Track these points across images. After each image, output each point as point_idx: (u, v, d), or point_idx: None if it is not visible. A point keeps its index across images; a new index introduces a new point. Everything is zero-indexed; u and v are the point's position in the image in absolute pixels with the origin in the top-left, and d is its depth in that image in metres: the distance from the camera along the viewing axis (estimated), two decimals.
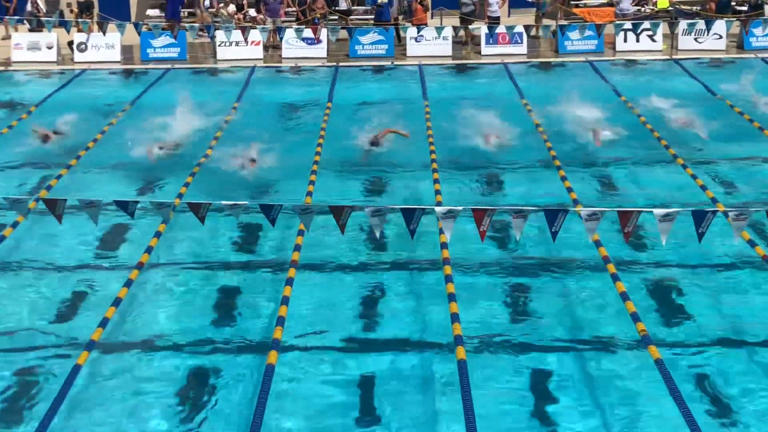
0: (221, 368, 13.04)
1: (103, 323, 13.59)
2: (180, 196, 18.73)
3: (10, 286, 15.54)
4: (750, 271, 15.42)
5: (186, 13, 35.76)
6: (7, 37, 32.59)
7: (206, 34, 32.29)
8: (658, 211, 12.24)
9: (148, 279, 15.34)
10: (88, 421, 11.75)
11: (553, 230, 12.32)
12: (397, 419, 11.78)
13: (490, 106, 25.90)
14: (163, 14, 35.40)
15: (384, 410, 12.01)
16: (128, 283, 14.81)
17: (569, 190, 18.80)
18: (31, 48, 31.84)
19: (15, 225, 16.68)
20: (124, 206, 12.24)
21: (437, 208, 12.19)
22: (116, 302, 14.21)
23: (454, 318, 13.47)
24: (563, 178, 19.65)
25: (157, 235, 16.12)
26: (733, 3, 35.16)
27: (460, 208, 12.15)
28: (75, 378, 12.14)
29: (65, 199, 12.45)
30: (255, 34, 31.33)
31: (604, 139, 22.29)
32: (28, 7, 34.08)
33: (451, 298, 14.06)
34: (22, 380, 12.77)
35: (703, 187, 18.67)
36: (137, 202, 12.41)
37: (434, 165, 20.59)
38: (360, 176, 20.57)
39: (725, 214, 12.55)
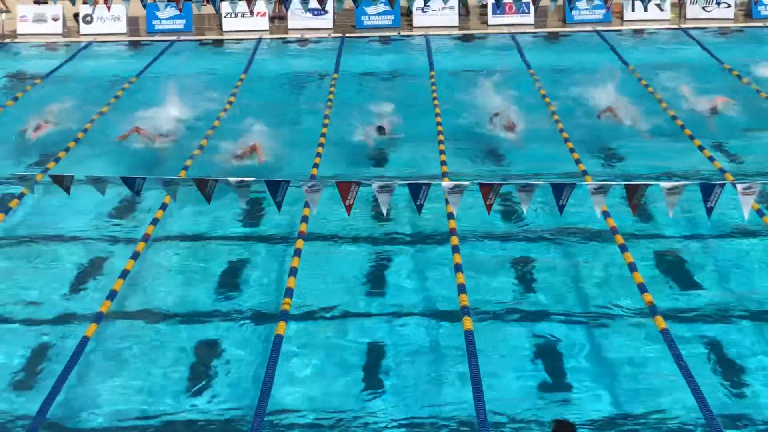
0: (230, 338, 13.20)
1: (111, 296, 13.74)
2: (186, 168, 18.81)
3: (18, 258, 15.66)
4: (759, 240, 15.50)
5: None
6: (6, 11, 32.44)
7: (211, 6, 32.19)
8: (665, 185, 12.24)
9: (157, 251, 15.43)
10: (96, 392, 11.90)
11: (560, 204, 12.35)
12: (403, 387, 11.93)
13: (497, 77, 25.87)
14: None
15: (391, 378, 12.16)
16: (135, 256, 14.95)
17: (577, 161, 18.89)
18: (36, 20, 31.78)
19: (21, 197, 16.80)
20: (131, 183, 12.25)
21: (444, 183, 12.21)
22: (123, 274, 14.35)
23: (461, 289, 13.59)
24: (571, 150, 19.72)
25: (163, 207, 16.19)
26: None
27: (468, 182, 12.17)
28: (83, 349, 12.29)
29: (72, 176, 12.48)
30: (260, 5, 31.28)
31: (612, 110, 22.26)
32: None
33: (458, 268, 14.18)
34: (33, 351, 12.92)
35: (711, 158, 18.71)
36: (144, 178, 12.41)
37: (441, 137, 20.61)
38: (367, 147, 20.59)
39: (733, 185, 12.55)
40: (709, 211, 12.18)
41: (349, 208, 12.24)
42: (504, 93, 24.42)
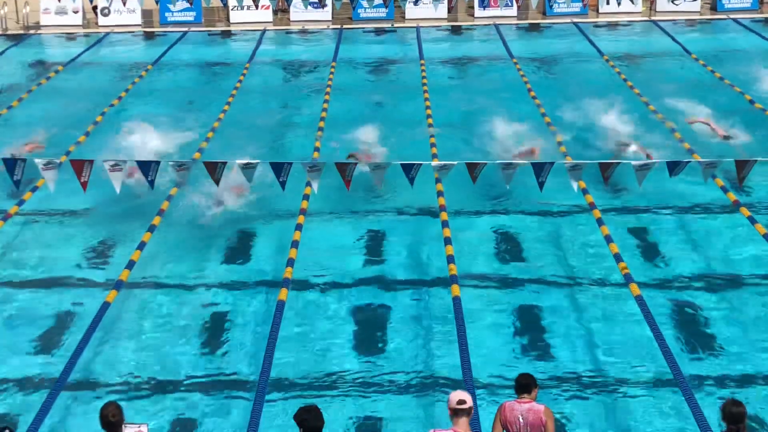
0: (236, 305, 13.21)
1: (129, 265, 13.76)
2: (201, 150, 18.79)
3: (43, 233, 15.64)
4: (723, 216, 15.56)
5: None
6: None
7: None
8: (636, 163, 12.29)
9: (170, 226, 15.40)
10: (116, 354, 11.93)
11: (540, 180, 12.37)
12: (398, 349, 11.98)
13: (482, 64, 25.90)
14: None
15: (387, 341, 12.19)
16: (151, 228, 14.95)
17: (554, 133, 19.02)
18: (58, 12, 31.64)
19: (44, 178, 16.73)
20: (146, 167, 12.21)
21: (433, 163, 12.23)
22: (141, 246, 14.35)
23: (450, 259, 13.61)
24: (548, 124, 19.91)
25: (178, 185, 16.14)
26: None
27: (455, 162, 12.18)
28: (104, 313, 12.31)
29: (92, 160, 12.44)
30: None
31: (588, 93, 22.30)
32: None
33: (447, 241, 14.20)
34: (58, 316, 12.94)
35: (681, 140, 18.73)
36: (158, 162, 12.37)
37: (430, 120, 20.59)
38: (362, 129, 20.54)
39: (698, 162, 12.62)
40: (673, 174, 12.21)
41: (348, 183, 12.23)
42: (488, 78, 24.49)
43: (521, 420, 8.23)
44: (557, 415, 10.06)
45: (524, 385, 8.39)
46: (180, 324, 12.68)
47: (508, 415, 8.29)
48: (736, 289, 13.38)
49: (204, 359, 11.85)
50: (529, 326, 12.50)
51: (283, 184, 12.31)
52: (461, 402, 7.75)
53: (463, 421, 7.78)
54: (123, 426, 7.96)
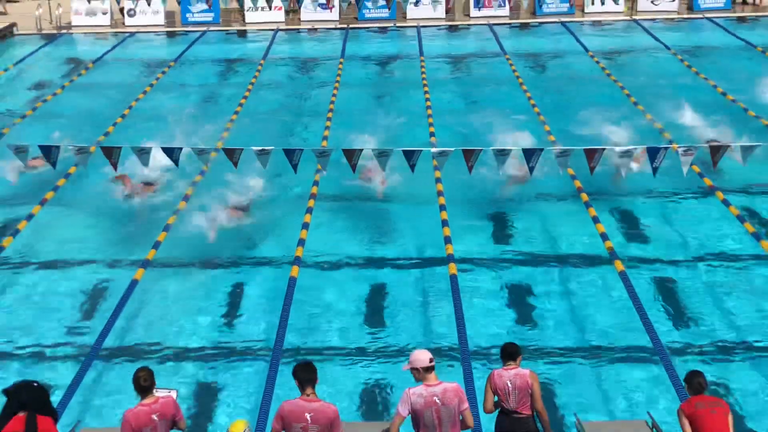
0: (252, 281, 13.20)
1: (156, 245, 13.76)
2: (222, 139, 18.77)
3: (74, 216, 15.62)
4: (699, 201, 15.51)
5: None
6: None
7: (236, 1, 32.10)
8: (620, 149, 12.23)
9: (192, 211, 15.38)
10: (143, 324, 11.96)
11: (530, 165, 12.30)
12: (398, 323, 11.99)
13: (477, 61, 25.81)
14: None
15: (388, 316, 12.21)
16: (176, 212, 14.95)
17: (543, 123, 18.92)
18: (88, 14, 31.55)
19: (77, 165, 16.72)
20: (170, 152, 12.18)
21: (432, 150, 12.19)
22: (166, 228, 14.35)
23: (447, 240, 13.59)
24: (537, 114, 19.80)
25: (202, 172, 16.08)
26: None
27: (452, 149, 12.14)
28: (132, 291, 12.33)
29: (120, 147, 12.42)
30: (278, 0, 31.11)
31: (574, 87, 22.29)
32: None
33: (444, 223, 14.18)
34: (88, 294, 12.97)
35: (662, 130, 18.66)
36: (181, 148, 12.33)
37: (429, 111, 20.55)
38: (368, 120, 20.50)
39: (675, 150, 12.55)
40: (655, 170, 12.17)
41: (354, 167, 12.19)
42: (483, 73, 24.42)
43: (510, 385, 8.23)
44: (543, 379, 10.09)
45: (511, 353, 8.39)
46: (199, 296, 12.69)
47: (497, 382, 8.28)
48: (713, 265, 13.35)
49: (223, 331, 11.88)
50: (519, 301, 12.50)
51: (295, 167, 12.28)
52: (432, 360, 7.65)
53: (432, 376, 7.71)
54: (155, 390, 7.98)
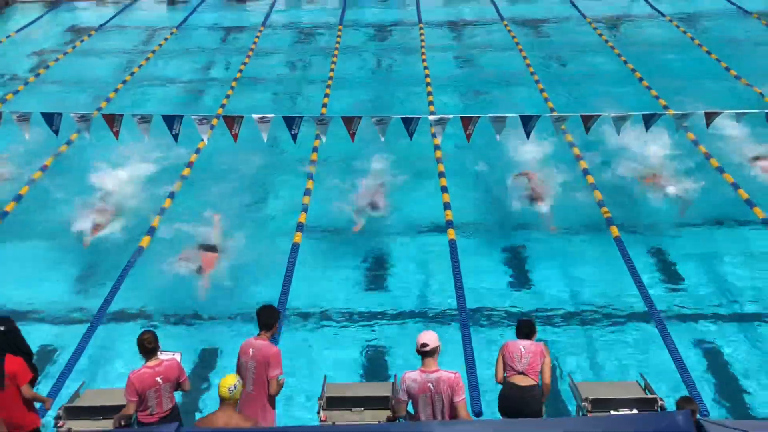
0: (253, 245, 13.14)
1: (161, 211, 13.78)
2: (222, 106, 18.70)
3: (79, 184, 15.54)
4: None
5: None
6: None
7: None
8: (615, 115, 12.18)
9: (196, 178, 15.36)
10: (149, 290, 12.01)
11: (527, 130, 12.24)
12: (397, 283, 12.03)
13: (475, 27, 25.65)
14: None
15: (388, 278, 12.24)
16: (182, 178, 14.91)
17: (541, 91, 18.86)
18: None
19: (79, 131, 16.63)
20: (170, 121, 12.08)
21: (431, 117, 12.14)
22: (171, 195, 14.34)
23: (446, 206, 13.58)
24: (537, 82, 19.71)
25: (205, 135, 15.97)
26: None
27: (450, 116, 12.08)
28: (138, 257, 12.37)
29: (122, 114, 12.33)
30: None
31: (570, 52, 22.23)
32: None
33: (444, 190, 14.16)
34: (94, 257, 13.00)
35: (648, 88, 18.66)
36: (182, 116, 12.23)
37: (428, 79, 20.45)
38: (366, 88, 20.44)
39: (670, 116, 12.55)
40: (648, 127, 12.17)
41: (353, 135, 12.13)
42: (481, 40, 24.28)
43: (523, 350, 8.26)
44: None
45: (527, 333, 8.39)
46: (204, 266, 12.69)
47: (511, 348, 8.29)
48: (704, 229, 13.37)
49: (228, 297, 11.85)
50: (517, 266, 12.53)
51: (294, 137, 12.19)
52: (425, 345, 7.51)
53: (430, 361, 7.56)
54: (159, 352, 8.03)
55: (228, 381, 7.13)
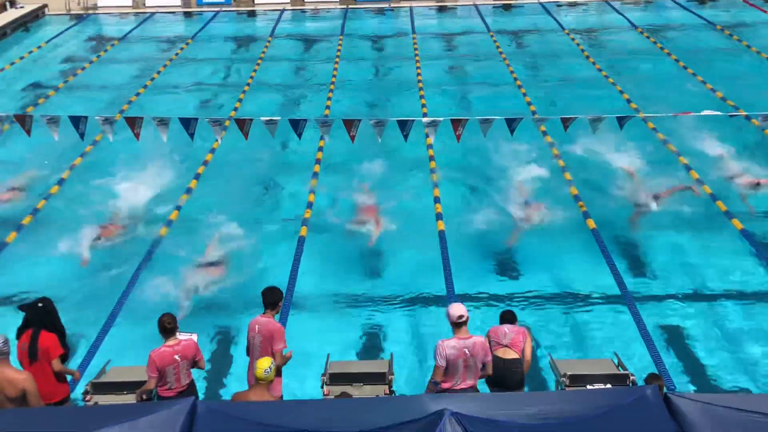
0: (264, 239, 13.16)
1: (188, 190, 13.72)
2: (236, 110, 18.68)
3: (104, 181, 15.48)
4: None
5: None
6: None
7: None
8: (591, 117, 12.16)
9: (210, 174, 15.33)
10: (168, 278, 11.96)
11: (511, 128, 12.20)
12: (392, 271, 12.03)
13: (463, 37, 25.60)
14: None
15: (385, 267, 12.24)
16: (197, 176, 14.94)
17: (524, 95, 18.83)
18: None
19: (103, 133, 16.57)
20: (186, 123, 12.05)
21: (424, 120, 12.13)
22: (188, 191, 14.30)
23: (437, 200, 13.57)
24: (519, 87, 19.73)
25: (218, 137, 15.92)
26: None
27: (441, 118, 12.07)
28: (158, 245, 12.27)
29: (142, 117, 12.29)
30: None
31: (551, 60, 22.18)
32: None
33: (436, 185, 14.14)
34: (114, 248, 12.96)
35: (621, 91, 18.62)
36: (197, 119, 12.21)
37: (420, 84, 20.43)
38: (365, 92, 20.41)
39: (643, 119, 12.54)
40: (621, 126, 12.12)
41: (353, 137, 12.12)
42: (469, 49, 24.24)
43: (507, 330, 8.40)
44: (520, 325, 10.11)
45: (509, 319, 8.52)
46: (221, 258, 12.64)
47: (496, 330, 8.41)
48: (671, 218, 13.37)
49: (239, 286, 11.82)
50: (500, 254, 12.54)
51: (299, 135, 12.19)
52: (461, 317, 7.78)
53: (464, 330, 7.85)
54: (177, 333, 8.05)
55: (264, 363, 7.19)
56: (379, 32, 26.97)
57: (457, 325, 7.79)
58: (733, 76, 20.21)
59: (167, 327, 7.95)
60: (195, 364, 8.11)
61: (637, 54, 22.96)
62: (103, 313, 10.77)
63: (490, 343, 8.35)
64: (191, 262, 12.18)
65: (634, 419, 5.55)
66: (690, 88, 19.50)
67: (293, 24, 28.89)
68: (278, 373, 8.25)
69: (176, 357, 7.89)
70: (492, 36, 25.25)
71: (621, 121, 12.09)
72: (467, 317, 7.81)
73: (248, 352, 8.37)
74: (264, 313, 8.27)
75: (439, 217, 13.02)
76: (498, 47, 23.85)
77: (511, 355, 8.30)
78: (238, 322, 10.83)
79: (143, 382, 8.00)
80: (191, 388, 8.12)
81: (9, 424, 5.61)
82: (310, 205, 13.68)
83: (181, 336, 8.13)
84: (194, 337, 8.28)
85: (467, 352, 7.73)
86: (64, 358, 8.21)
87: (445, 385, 7.82)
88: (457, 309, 7.83)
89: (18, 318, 8.49)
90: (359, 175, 15.18)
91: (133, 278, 11.45)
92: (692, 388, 9.29)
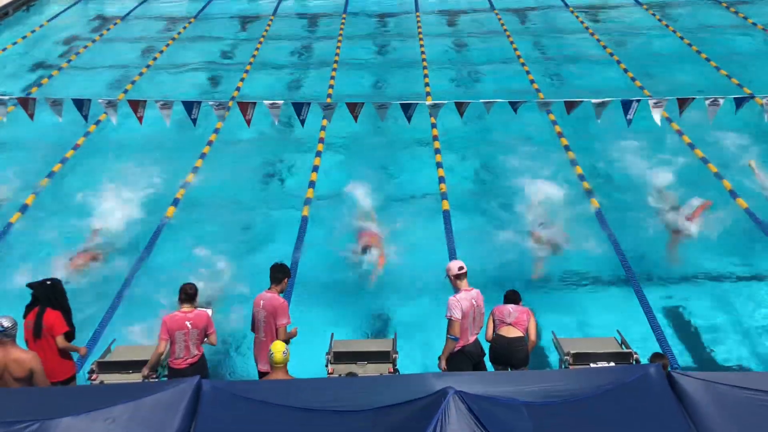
0: (266, 222, 13.15)
1: (184, 185, 13.76)
2: (238, 89, 18.64)
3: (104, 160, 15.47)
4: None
5: None
6: None
7: None
8: (595, 101, 12.06)
9: (215, 157, 15.34)
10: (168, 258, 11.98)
11: (515, 108, 12.17)
12: (395, 251, 12.02)
13: (467, 16, 25.45)
14: None
15: (387, 246, 12.25)
16: (202, 155, 14.94)
17: (527, 72, 18.77)
18: None
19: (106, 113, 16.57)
20: (189, 107, 12.03)
21: (427, 102, 12.08)
22: (194, 169, 14.38)
23: (441, 180, 13.55)
24: (522, 64, 19.69)
25: (221, 119, 15.92)
26: None
27: (445, 101, 12.03)
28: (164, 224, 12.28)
29: (145, 100, 12.28)
30: None
31: (554, 38, 22.12)
32: None
33: (439, 165, 14.12)
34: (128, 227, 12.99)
35: (625, 70, 18.53)
36: (200, 102, 12.19)
37: (424, 63, 20.35)
38: (368, 71, 20.33)
39: (647, 101, 12.41)
40: (629, 122, 12.00)
41: (356, 117, 12.10)
42: (473, 27, 24.10)
43: (511, 309, 8.48)
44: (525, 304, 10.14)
45: (513, 299, 8.57)
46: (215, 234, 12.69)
47: (501, 309, 8.48)
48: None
49: (246, 261, 11.86)
50: (508, 235, 12.52)
51: (302, 122, 12.11)
52: (461, 268, 8.22)
53: (465, 282, 8.25)
54: (194, 303, 8.19)
55: (280, 346, 7.22)
56: (382, 10, 26.79)
57: (459, 277, 8.19)
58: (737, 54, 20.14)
59: (189, 292, 8.17)
60: (206, 337, 8.19)
61: (638, 28, 22.91)
62: (112, 291, 10.83)
63: (494, 321, 8.40)
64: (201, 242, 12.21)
65: (638, 397, 5.59)
66: (696, 67, 19.38)
67: (296, 2, 28.70)
68: None
69: (187, 323, 8.07)
70: (496, 13, 25.08)
71: (626, 105, 11.92)
72: (466, 268, 8.21)
73: (253, 327, 8.48)
74: (269, 289, 8.40)
75: (444, 196, 12.97)
76: (503, 25, 23.70)
77: (515, 333, 8.36)
78: (242, 300, 10.85)
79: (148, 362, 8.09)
80: (201, 362, 8.23)
81: (16, 403, 5.66)
82: (312, 184, 13.64)
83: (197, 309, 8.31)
84: (209, 311, 8.42)
85: (474, 303, 8.16)
86: (70, 337, 8.27)
87: (462, 341, 8.15)
88: (456, 262, 8.33)
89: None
90: (361, 156, 15.17)
91: (138, 260, 11.47)
92: (694, 366, 9.32)
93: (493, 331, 8.45)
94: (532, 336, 8.41)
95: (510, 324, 8.37)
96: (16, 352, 7.35)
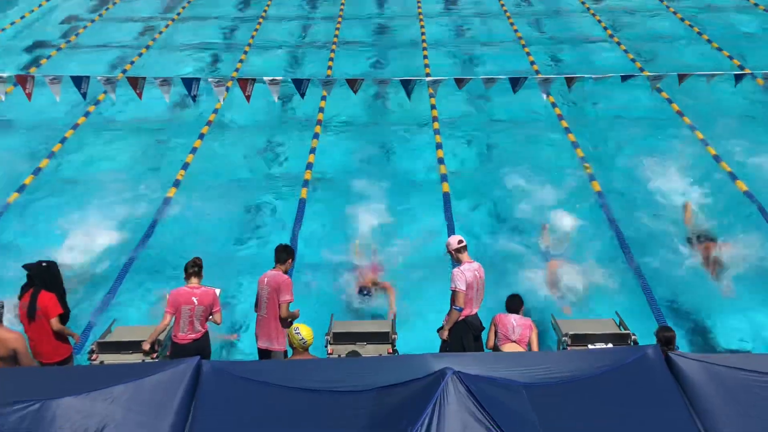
0: (270, 197, 13.12)
1: (184, 166, 13.71)
2: (237, 70, 18.55)
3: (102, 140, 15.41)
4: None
5: None
6: None
7: None
8: (596, 77, 12.07)
9: (217, 137, 15.28)
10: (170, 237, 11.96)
11: (515, 89, 12.14)
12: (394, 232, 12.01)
13: None
14: None
15: (387, 227, 12.22)
16: (201, 136, 14.87)
17: (532, 63, 18.66)
18: None
19: (105, 92, 16.53)
20: (189, 84, 11.97)
21: (427, 79, 12.04)
22: (193, 150, 14.29)
23: (440, 161, 13.50)
24: (523, 46, 19.60)
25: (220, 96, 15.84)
26: None
27: (445, 77, 11.98)
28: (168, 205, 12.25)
29: (144, 78, 12.21)
30: None
31: (556, 20, 21.95)
32: None
33: (438, 146, 14.06)
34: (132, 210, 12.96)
35: (626, 51, 18.51)
36: (198, 79, 12.13)
37: (424, 44, 20.24)
38: (367, 51, 20.22)
39: (647, 77, 12.42)
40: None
41: (356, 91, 12.05)
42: (474, 8, 23.93)
43: (514, 323, 8.37)
44: (526, 288, 10.15)
45: (515, 309, 8.46)
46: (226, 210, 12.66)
47: (504, 320, 8.38)
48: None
49: (251, 241, 11.84)
50: (506, 214, 12.50)
51: (302, 95, 12.10)
52: (461, 241, 8.29)
53: (466, 254, 8.34)
54: (201, 274, 8.26)
55: (308, 330, 7.16)
56: None
57: (459, 250, 8.26)
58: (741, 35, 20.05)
59: (196, 266, 8.22)
60: (211, 315, 8.21)
61: (641, 12, 22.70)
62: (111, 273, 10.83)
63: (496, 332, 8.35)
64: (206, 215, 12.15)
65: (636, 378, 5.60)
66: (695, 47, 19.29)
67: None
68: (285, 325, 8.32)
69: (193, 299, 8.10)
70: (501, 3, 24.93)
71: (625, 79, 11.96)
72: (465, 242, 8.33)
73: (257, 307, 8.45)
74: (274, 268, 8.47)
75: (444, 178, 12.93)
76: (503, 5, 23.55)
77: (518, 350, 8.25)
78: (242, 280, 10.87)
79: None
80: (204, 339, 8.25)
81: (16, 384, 5.67)
82: (309, 166, 13.58)
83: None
84: (217, 291, 8.39)
85: (477, 274, 8.24)
86: (65, 319, 8.26)
87: (466, 311, 8.20)
88: (455, 237, 8.39)
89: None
90: (361, 132, 15.09)
91: (141, 241, 11.47)
92: (692, 348, 9.33)
93: (495, 342, 8.38)
94: (534, 348, 8.35)
95: (514, 341, 8.27)
96: (1, 332, 7.39)
